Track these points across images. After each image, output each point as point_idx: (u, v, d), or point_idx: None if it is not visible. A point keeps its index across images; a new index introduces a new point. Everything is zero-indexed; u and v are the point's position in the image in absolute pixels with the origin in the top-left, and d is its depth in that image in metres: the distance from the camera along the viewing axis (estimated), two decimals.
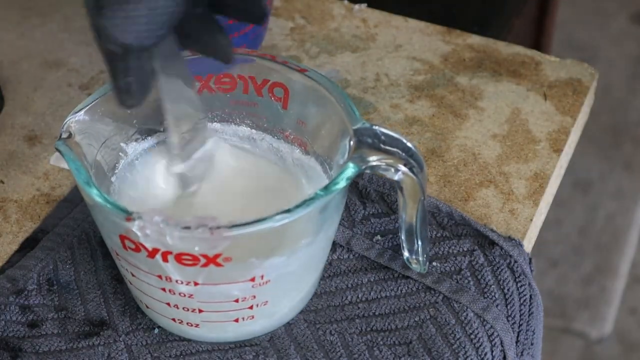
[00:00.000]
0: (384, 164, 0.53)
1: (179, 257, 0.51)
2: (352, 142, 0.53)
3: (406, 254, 0.60)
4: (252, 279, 0.53)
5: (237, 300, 0.54)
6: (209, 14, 0.52)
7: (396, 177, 0.54)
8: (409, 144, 0.53)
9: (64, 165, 0.69)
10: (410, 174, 0.54)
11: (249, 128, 0.61)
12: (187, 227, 0.49)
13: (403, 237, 0.59)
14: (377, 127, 0.53)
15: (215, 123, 0.61)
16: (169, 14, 0.48)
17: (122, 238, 0.51)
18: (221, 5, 0.52)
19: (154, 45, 0.49)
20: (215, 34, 0.52)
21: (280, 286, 0.55)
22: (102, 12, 0.47)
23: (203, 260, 0.51)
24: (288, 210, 0.50)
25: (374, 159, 0.53)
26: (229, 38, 0.52)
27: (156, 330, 0.59)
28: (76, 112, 0.55)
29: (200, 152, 0.58)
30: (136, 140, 0.59)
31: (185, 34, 0.52)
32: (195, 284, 0.53)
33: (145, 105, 0.57)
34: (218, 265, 0.51)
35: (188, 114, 0.57)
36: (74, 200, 0.66)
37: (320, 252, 0.57)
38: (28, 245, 0.64)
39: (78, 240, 0.64)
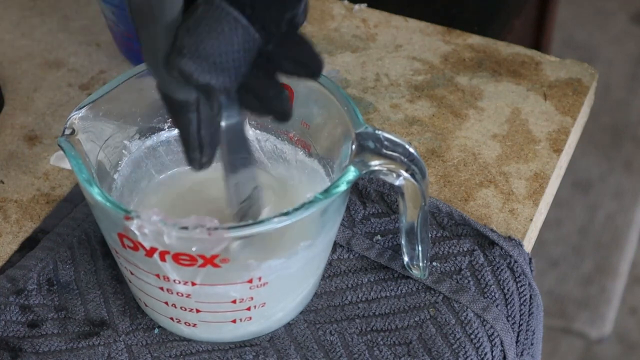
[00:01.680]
0: (385, 168, 0.53)
1: (176, 257, 0.51)
2: (354, 146, 0.53)
3: (406, 258, 0.60)
4: (250, 281, 0.53)
5: (234, 301, 0.54)
6: (272, 67, 0.48)
7: (397, 183, 0.54)
8: (411, 150, 0.53)
9: (64, 165, 0.69)
10: (412, 179, 0.54)
11: (253, 129, 0.61)
12: (185, 228, 0.49)
13: (403, 242, 0.59)
14: (380, 132, 0.53)
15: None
16: (246, 50, 0.46)
17: (121, 236, 0.51)
18: (277, 59, 0.48)
19: (236, 85, 0.47)
20: (278, 89, 0.48)
21: (278, 288, 0.55)
22: (182, 52, 0.45)
23: (200, 261, 0.51)
24: (286, 213, 0.50)
25: (375, 164, 0.53)
26: (288, 93, 0.49)
27: (156, 330, 0.59)
28: (80, 109, 0.54)
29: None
30: (140, 138, 0.59)
31: (246, 88, 0.48)
32: (193, 284, 0.53)
33: (148, 104, 0.57)
34: (215, 266, 0.51)
35: (246, 180, 0.54)
36: (74, 200, 0.66)
37: (319, 255, 0.57)
38: (28, 245, 0.64)
39: (78, 240, 0.64)
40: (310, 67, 0.49)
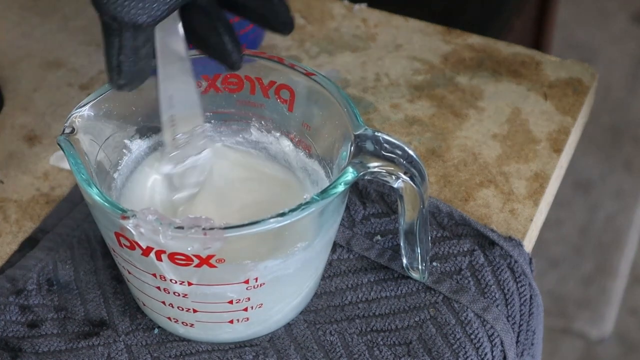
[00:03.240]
0: (384, 170, 0.53)
1: (172, 257, 0.51)
2: (352, 148, 0.53)
3: (405, 260, 0.60)
4: (247, 281, 0.53)
5: (231, 302, 0.54)
6: (219, 11, 0.50)
7: (396, 185, 0.54)
8: (410, 152, 0.53)
9: (64, 165, 0.69)
10: (411, 182, 0.53)
11: (255, 129, 0.61)
12: (181, 227, 0.49)
13: (402, 244, 0.59)
14: (379, 134, 0.53)
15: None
16: None
17: (118, 235, 0.51)
18: (239, 7, 0.50)
19: (149, 25, 0.48)
20: (222, 35, 0.50)
21: (275, 289, 0.55)
22: None
23: (196, 261, 0.51)
24: (282, 214, 0.49)
25: (374, 166, 0.53)
26: (239, 42, 0.50)
27: (156, 331, 0.59)
28: (80, 107, 0.54)
29: (193, 160, 0.56)
30: (140, 137, 0.59)
31: (191, 30, 0.50)
32: (189, 283, 0.53)
33: (149, 103, 0.57)
34: (212, 266, 0.51)
35: (187, 115, 0.54)
36: (74, 200, 0.66)
37: (317, 256, 0.57)
38: (28, 245, 0.64)
39: (78, 240, 0.64)
40: (276, 20, 0.50)
